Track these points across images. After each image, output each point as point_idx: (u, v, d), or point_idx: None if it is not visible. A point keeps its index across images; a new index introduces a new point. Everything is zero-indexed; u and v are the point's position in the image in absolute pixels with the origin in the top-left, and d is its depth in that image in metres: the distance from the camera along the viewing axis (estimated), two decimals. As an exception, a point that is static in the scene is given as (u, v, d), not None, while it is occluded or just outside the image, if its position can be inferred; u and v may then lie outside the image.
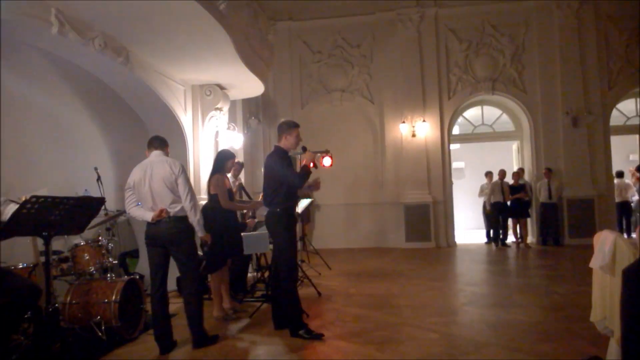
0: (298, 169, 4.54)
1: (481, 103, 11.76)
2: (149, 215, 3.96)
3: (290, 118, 11.04)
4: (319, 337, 4.20)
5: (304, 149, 4.55)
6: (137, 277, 4.96)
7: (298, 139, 4.48)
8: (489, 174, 11.26)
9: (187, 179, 4.11)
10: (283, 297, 4.39)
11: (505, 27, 11.03)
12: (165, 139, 4.31)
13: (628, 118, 11.38)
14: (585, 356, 3.21)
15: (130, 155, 6.92)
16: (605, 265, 2.58)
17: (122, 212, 5.47)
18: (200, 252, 5.03)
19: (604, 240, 2.65)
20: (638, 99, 11.21)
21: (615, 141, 11.08)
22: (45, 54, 5.24)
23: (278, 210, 4.33)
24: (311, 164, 4.38)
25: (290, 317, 4.32)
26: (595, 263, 2.67)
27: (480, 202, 11.59)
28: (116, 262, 5.02)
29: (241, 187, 6.67)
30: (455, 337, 4.26)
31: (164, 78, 6.50)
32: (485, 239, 11.23)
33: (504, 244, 10.61)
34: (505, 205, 10.62)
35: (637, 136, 10.98)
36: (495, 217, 10.72)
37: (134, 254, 6.68)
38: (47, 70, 5.59)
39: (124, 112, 6.62)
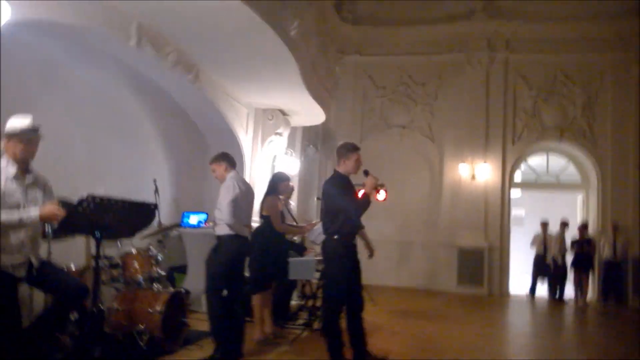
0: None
1: (546, 150, 11.25)
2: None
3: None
4: None
5: (366, 173, 4.23)
6: (183, 291, 4.98)
7: (359, 163, 4.24)
8: (544, 225, 10.60)
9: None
10: (324, 328, 4.20)
11: (578, 77, 10.61)
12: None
13: None
14: None
15: (188, 171, 7.14)
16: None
17: (175, 225, 5.58)
18: (246, 273, 5.02)
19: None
20: None
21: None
22: (117, 62, 5.45)
23: (335, 237, 4.11)
24: (374, 192, 4.17)
25: (329, 348, 4.11)
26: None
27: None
28: (164, 273, 5.06)
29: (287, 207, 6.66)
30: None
31: (229, 99, 6.69)
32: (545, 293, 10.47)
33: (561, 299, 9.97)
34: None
35: None
36: (558, 270, 10.07)
37: (182, 269, 6.76)
38: (119, 79, 5.83)
39: (187, 129, 6.83)
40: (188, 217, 5.97)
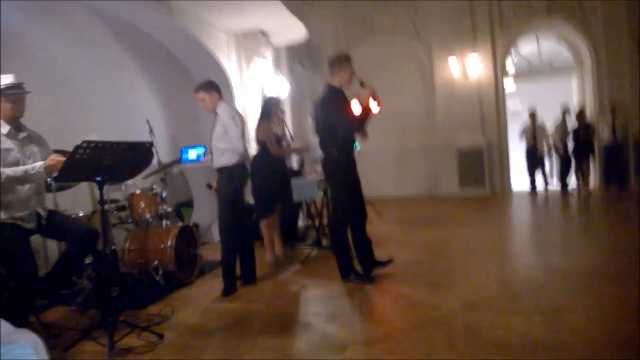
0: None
1: (536, 31, 10.75)
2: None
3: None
4: (371, 280, 4.17)
5: (362, 84, 4.11)
6: (192, 224, 5.09)
7: (351, 73, 4.15)
8: (532, 115, 10.32)
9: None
10: (332, 240, 4.32)
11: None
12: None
13: None
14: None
15: (179, 106, 7.04)
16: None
17: (174, 162, 5.58)
18: (250, 200, 5.10)
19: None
20: None
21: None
22: (91, 11, 5.26)
23: (335, 152, 4.11)
24: (372, 103, 4.05)
25: (339, 261, 4.26)
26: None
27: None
28: (171, 210, 5.15)
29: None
30: (512, 281, 4.13)
31: (207, 27, 6.44)
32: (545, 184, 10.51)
33: (565, 189, 10.00)
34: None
35: None
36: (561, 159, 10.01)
37: (189, 204, 6.87)
38: (92, 26, 5.64)
39: (170, 65, 6.65)
40: (187, 152, 5.96)
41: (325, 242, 5.73)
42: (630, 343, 2.61)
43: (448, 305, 3.46)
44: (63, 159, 2.98)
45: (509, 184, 10.69)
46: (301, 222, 6.75)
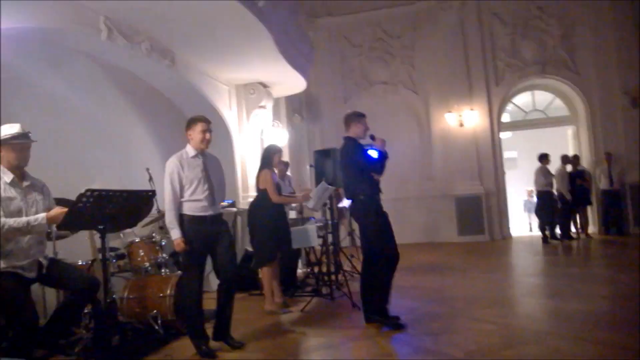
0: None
1: (531, 88, 11.28)
2: None
3: (333, 113, 11.12)
4: (400, 326, 4.12)
5: (373, 137, 4.42)
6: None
7: (366, 127, 4.44)
8: (544, 158, 9.88)
9: (168, 178, 3.66)
10: (369, 282, 4.30)
11: (553, 8, 10.50)
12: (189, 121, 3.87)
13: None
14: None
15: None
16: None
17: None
18: (249, 248, 5.09)
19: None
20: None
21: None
22: (93, 60, 5.44)
23: (362, 198, 4.27)
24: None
25: (373, 302, 4.25)
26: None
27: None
28: (170, 258, 5.13)
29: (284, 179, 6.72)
30: (514, 327, 4.07)
31: (208, 78, 6.66)
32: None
33: (569, 237, 9.75)
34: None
35: None
36: (559, 208, 9.80)
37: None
38: (95, 75, 5.80)
39: (171, 114, 6.81)
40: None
41: (324, 289, 5.68)
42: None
43: (451, 353, 3.40)
44: (65, 210, 3.00)
45: (508, 230, 10.71)
46: (300, 270, 6.70)
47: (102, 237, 3.03)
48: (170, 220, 3.60)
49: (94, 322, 3.93)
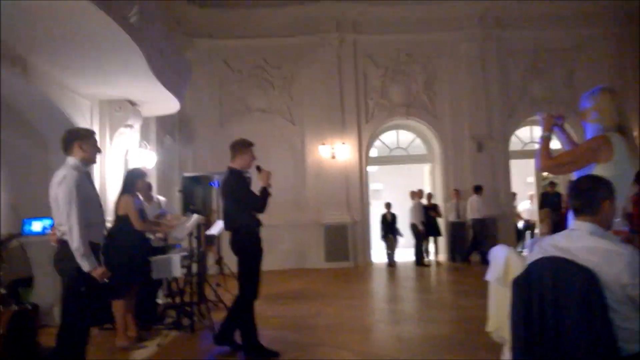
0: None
1: (397, 127, 12.24)
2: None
3: (208, 137, 10.90)
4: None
5: (259, 169, 4.38)
6: (29, 307, 4.51)
7: (252, 157, 4.36)
8: (417, 193, 11.16)
9: (70, 193, 3.17)
10: (240, 317, 4.27)
11: (419, 56, 11.58)
12: (66, 137, 3.40)
13: (525, 144, 12.33)
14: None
15: (27, 173, 6.41)
16: (499, 277, 2.71)
17: (13, 235, 5.02)
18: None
19: (497, 254, 2.79)
20: (532, 127, 12.12)
21: (515, 165, 11.90)
22: None
23: (243, 231, 4.24)
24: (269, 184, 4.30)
25: (248, 339, 4.22)
26: (490, 276, 2.80)
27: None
28: (4, 291, 4.52)
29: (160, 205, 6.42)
30: (369, 354, 4.33)
31: (67, 91, 6.11)
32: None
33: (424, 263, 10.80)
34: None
35: (533, 161, 11.79)
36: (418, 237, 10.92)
37: (28, 282, 6.09)
38: None
39: (20, 127, 6.11)
40: (30, 224, 5.41)
41: (186, 321, 5.42)
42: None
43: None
44: None
45: (370, 257, 11.36)
46: (160, 300, 6.33)
47: None
48: None
49: None
